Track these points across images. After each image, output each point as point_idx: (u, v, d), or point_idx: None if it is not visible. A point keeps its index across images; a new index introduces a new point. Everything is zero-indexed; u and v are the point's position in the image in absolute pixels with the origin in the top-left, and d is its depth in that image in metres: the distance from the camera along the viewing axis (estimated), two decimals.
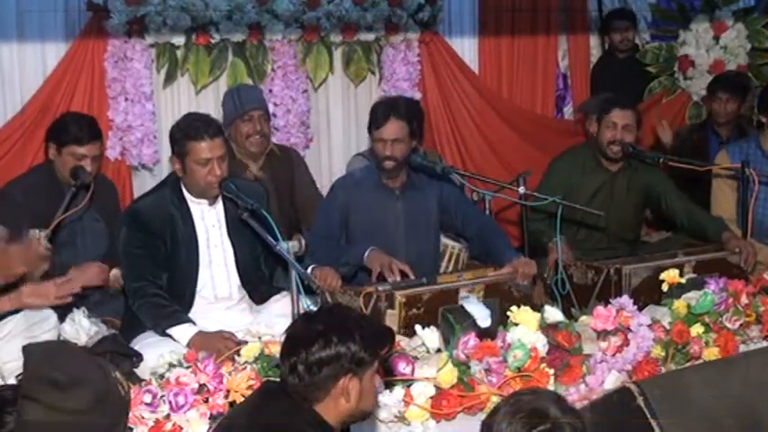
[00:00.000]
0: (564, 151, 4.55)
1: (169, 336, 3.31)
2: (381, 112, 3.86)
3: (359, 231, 3.89)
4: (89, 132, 3.84)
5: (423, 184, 3.97)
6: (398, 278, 3.49)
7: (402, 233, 3.92)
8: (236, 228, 3.54)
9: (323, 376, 2.17)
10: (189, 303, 3.50)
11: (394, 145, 3.81)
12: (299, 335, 2.22)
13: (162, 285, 3.43)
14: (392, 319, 3.19)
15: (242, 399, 2.64)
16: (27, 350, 2.04)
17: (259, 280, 3.66)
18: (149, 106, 4.67)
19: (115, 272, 3.81)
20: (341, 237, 3.92)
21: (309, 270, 3.46)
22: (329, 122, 5.27)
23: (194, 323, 3.36)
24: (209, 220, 3.54)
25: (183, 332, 3.29)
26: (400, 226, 3.92)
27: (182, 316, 3.36)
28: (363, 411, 2.28)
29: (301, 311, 3.14)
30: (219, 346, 3.10)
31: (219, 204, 3.55)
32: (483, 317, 3.19)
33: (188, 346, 3.22)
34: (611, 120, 4.28)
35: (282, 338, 2.28)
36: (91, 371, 1.99)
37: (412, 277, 3.50)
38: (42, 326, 3.19)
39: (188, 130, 3.40)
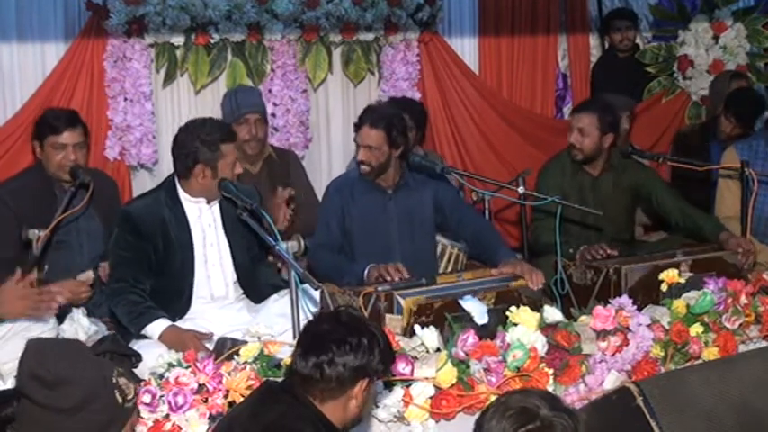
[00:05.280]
0: (549, 159, 4.56)
1: (144, 336, 3.33)
2: (362, 116, 3.89)
3: (355, 232, 3.90)
4: (66, 120, 3.79)
5: (417, 185, 3.97)
6: (397, 279, 3.48)
7: (396, 233, 3.93)
8: (233, 226, 3.54)
9: (348, 377, 2.23)
10: (186, 303, 3.50)
11: (367, 151, 3.83)
12: (330, 334, 2.26)
13: (144, 288, 3.43)
14: (394, 323, 3.17)
15: (241, 399, 2.65)
16: (26, 345, 2.04)
17: (257, 279, 3.66)
18: (148, 106, 4.67)
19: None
20: (343, 242, 3.91)
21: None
22: (329, 122, 5.27)
23: (167, 318, 3.36)
24: (205, 219, 3.54)
25: (155, 327, 3.31)
26: (394, 226, 3.92)
27: (155, 312, 3.36)
28: (359, 417, 2.34)
29: (301, 312, 3.16)
30: (189, 344, 3.14)
31: (215, 204, 3.56)
32: (480, 314, 3.18)
33: (159, 339, 3.27)
34: (570, 123, 4.30)
35: (306, 335, 2.31)
36: (82, 370, 1.97)
37: (406, 275, 3.50)
38: (41, 326, 3.17)
39: (219, 134, 3.42)
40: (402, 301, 3.20)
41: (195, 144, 3.41)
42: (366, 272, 3.60)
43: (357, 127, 3.88)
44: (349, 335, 2.25)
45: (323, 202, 4.09)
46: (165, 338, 3.27)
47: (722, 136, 5.21)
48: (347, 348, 2.23)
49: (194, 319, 3.47)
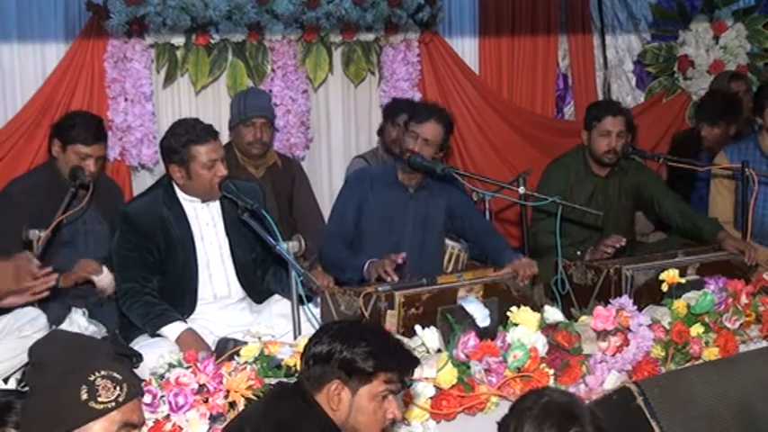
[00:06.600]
0: (556, 159, 4.56)
1: (159, 335, 3.32)
2: (428, 110, 3.99)
3: (369, 225, 3.94)
4: (96, 132, 3.86)
5: (435, 188, 4.01)
6: (396, 279, 3.49)
7: (410, 231, 3.97)
8: (234, 225, 3.54)
9: (317, 369, 2.21)
10: (191, 303, 3.49)
11: (424, 144, 3.87)
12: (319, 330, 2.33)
13: (153, 287, 3.43)
14: (392, 319, 3.19)
15: (242, 399, 2.65)
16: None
17: (258, 279, 3.66)
18: (149, 106, 4.67)
19: (110, 277, 3.82)
20: (354, 233, 3.94)
21: None
22: (329, 123, 5.27)
23: (185, 321, 3.36)
24: (202, 218, 3.53)
25: (172, 329, 3.31)
26: (409, 224, 3.97)
27: (172, 314, 3.36)
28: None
29: (302, 313, 3.16)
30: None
31: (215, 202, 3.55)
32: (482, 317, 3.20)
33: (176, 341, 3.25)
34: (604, 128, 4.29)
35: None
36: (60, 356, 1.99)
37: (400, 260, 3.52)
38: (33, 325, 3.16)
39: (189, 135, 3.40)
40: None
41: (167, 144, 3.45)
42: (365, 268, 3.61)
43: (421, 118, 3.90)
44: (335, 326, 2.27)
45: (341, 192, 4.11)
46: (181, 341, 3.26)
47: (707, 143, 5.17)
48: (324, 337, 2.23)
49: (196, 320, 3.46)
